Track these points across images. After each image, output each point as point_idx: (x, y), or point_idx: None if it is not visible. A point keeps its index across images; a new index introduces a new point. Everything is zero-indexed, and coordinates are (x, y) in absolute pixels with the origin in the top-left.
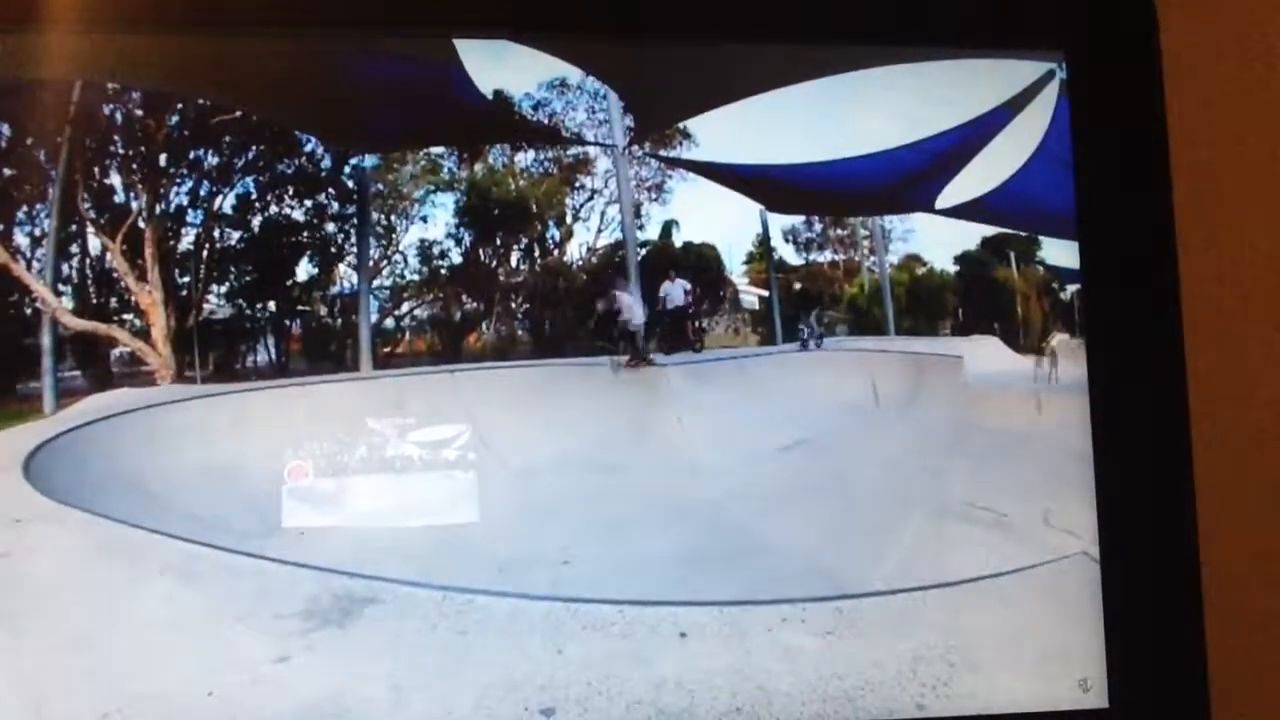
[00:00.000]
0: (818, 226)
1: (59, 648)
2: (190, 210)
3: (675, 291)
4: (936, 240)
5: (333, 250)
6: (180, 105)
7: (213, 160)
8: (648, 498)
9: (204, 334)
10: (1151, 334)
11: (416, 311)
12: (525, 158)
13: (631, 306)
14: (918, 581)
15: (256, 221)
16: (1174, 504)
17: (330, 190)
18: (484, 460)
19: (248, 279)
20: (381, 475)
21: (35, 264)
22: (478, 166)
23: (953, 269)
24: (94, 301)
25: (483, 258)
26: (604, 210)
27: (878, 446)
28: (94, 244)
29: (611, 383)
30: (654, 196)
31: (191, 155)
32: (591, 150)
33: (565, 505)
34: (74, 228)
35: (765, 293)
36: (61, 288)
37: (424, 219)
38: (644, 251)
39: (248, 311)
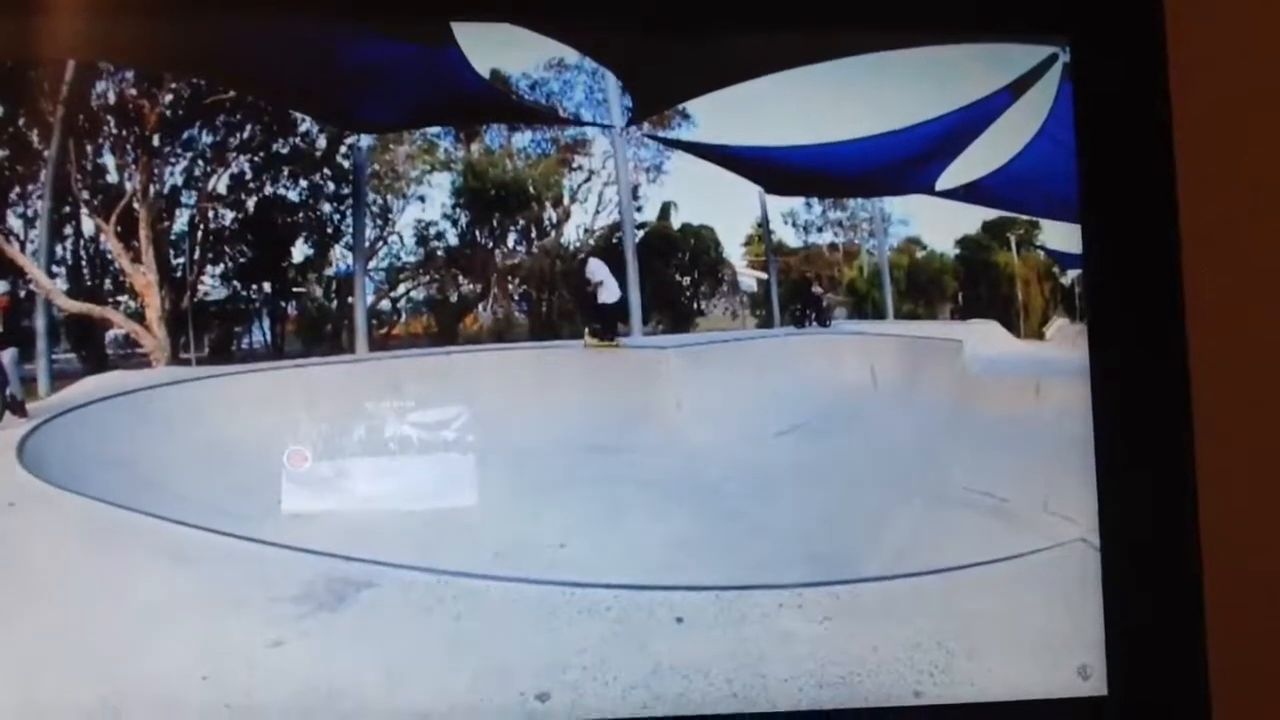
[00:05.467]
0: (817, 208)
1: (54, 631)
2: (184, 191)
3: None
4: (936, 224)
5: (328, 231)
6: (174, 85)
7: (207, 140)
8: (645, 481)
9: (199, 316)
10: (1154, 319)
11: (413, 293)
12: (522, 138)
13: (606, 280)
14: (916, 567)
15: (251, 202)
16: (1175, 491)
17: (326, 170)
18: (481, 443)
19: (243, 260)
20: (378, 459)
21: (29, 246)
22: (474, 147)
23: (953, 253)
24: (88, 283)
25: (479, 239)
26: (601, 191)
27: (876, 431)
28: (88, 226)
29: (609, 365)
30: (652, 178)
31: (185, 136)
32: (589, 131)
33: (562, 489)
34: (68, 209)
35: (764, 275)
36: (55, 270)
37: (420, 200)
38: (642, 233)
39: (243, 293)
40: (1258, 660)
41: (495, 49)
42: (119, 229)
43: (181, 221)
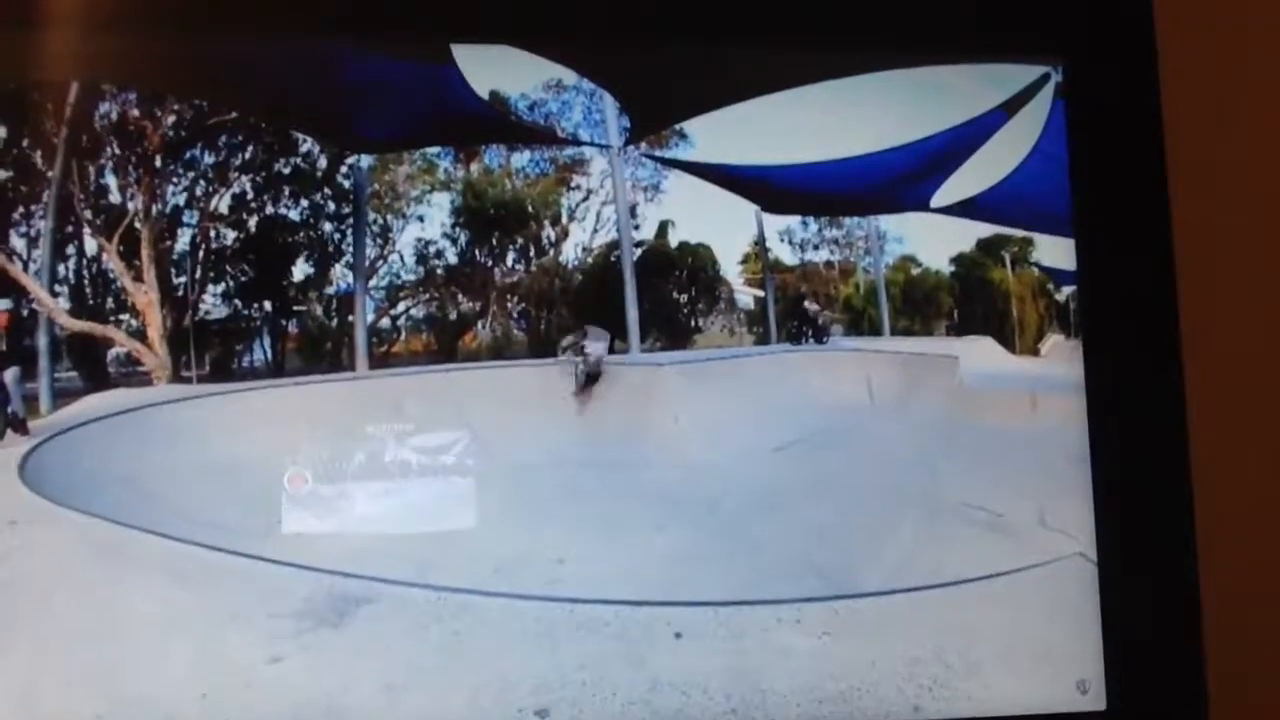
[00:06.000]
0: (813, 226)
1: (53, 649)
2: (186, 210)
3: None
4: (931, 241)
5: (329, 250)
6: (176, 106)
7: (209, 160)
8: (644, 497)
9: (200, 334)
10: (1149, 334)
11: (413, 311)
12: (521, 158)
13: (598, 352)
14: (914, 582)
15: (253, 222)
16: (1171, 504)
17: (326, 190)
18: (480, 460)
19: (244, 279)
20: (378, 476)
21: (31, 265)
22: (474, 167)
23: (948, 270)
24: (90, 302)
25: (479, 258)
26: (600, 210)
27: (873, 446)
28: (90, 245)
29: (608, 383)
30: (650, 197)
31: (187, 155)
32: (587, 151)
33: (561, 504)
34: (70, 228)
35: (761, 292)
36: (57, 288)
37: (420, 219)
38: (640, 251)
39: (244, 311)
40: (1257, 673)
41: (494, 70)
42: (121, 248)
43: (183, 241)
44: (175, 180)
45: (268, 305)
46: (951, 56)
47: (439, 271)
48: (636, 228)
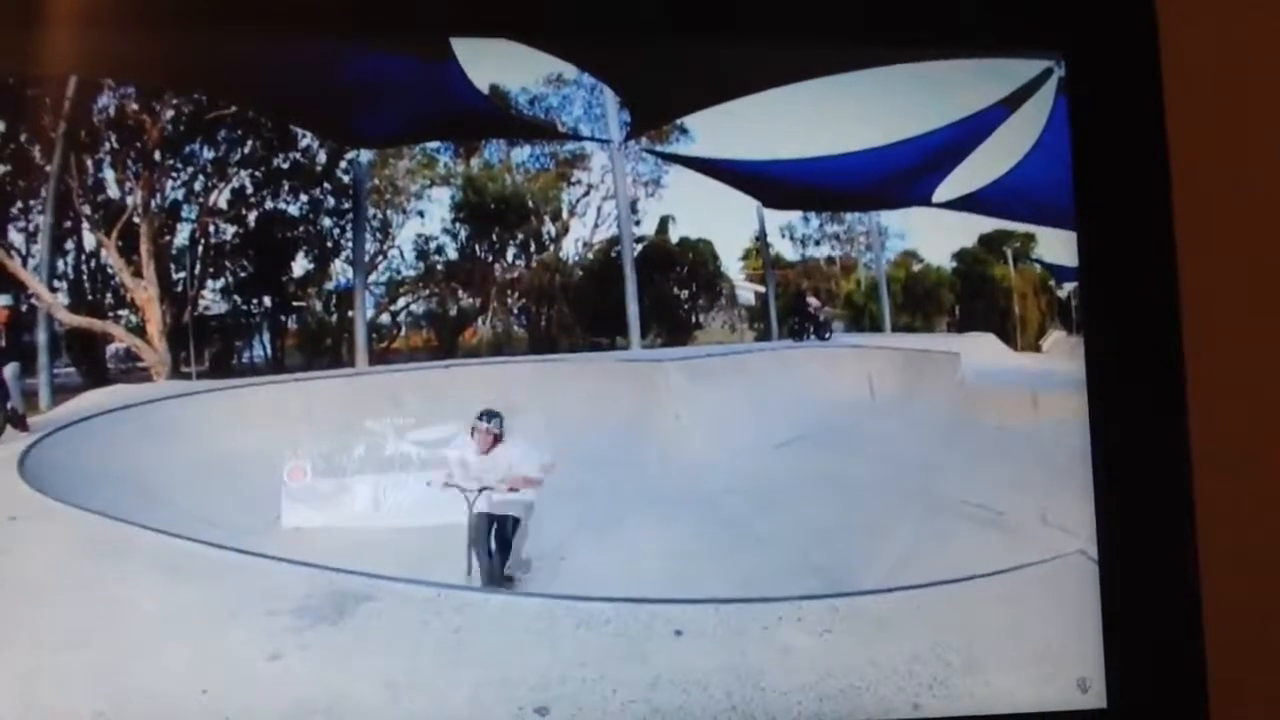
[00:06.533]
0: (814, 222)
1: (53, 645)
2: (185, 206)
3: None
4: (933, 237)
5: (328, 245)
6: (175, 101)
7: (208, 155)
8: (645, 494)
9: (199, 330)
10: (1150, 330)
11: (412, 307)
12: (521, 153)
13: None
14: (915, 580)
15: (252, 217)
16: (1173, 502)
17: (326, 185)
18: None
19: (243, 275)
20: (378, 472)
21: (31, 260)
22: (474, 162)
23: (950, 266)
24: (89, 298)
25: (479, 253)
26: (600, 206)
27: (874, 443)
28: (89, 240)
29: (609, 378)
30: (650, 192)
31: (186, 150)
32: (588, 146)
33: (562, 502)
34: (69, 224)
35: (762, 288)
36: (57, 284)
37: (420, 214)
38: (640, 247)
39: (243, 307)
40: (1257, 672)
41: (494, 64)
42: (120, 243)
43: (182, 236)
44: (174, 175)
45: (267, 301)
46: (954, 51)
47: (439, 267)
48: (637, 223)
